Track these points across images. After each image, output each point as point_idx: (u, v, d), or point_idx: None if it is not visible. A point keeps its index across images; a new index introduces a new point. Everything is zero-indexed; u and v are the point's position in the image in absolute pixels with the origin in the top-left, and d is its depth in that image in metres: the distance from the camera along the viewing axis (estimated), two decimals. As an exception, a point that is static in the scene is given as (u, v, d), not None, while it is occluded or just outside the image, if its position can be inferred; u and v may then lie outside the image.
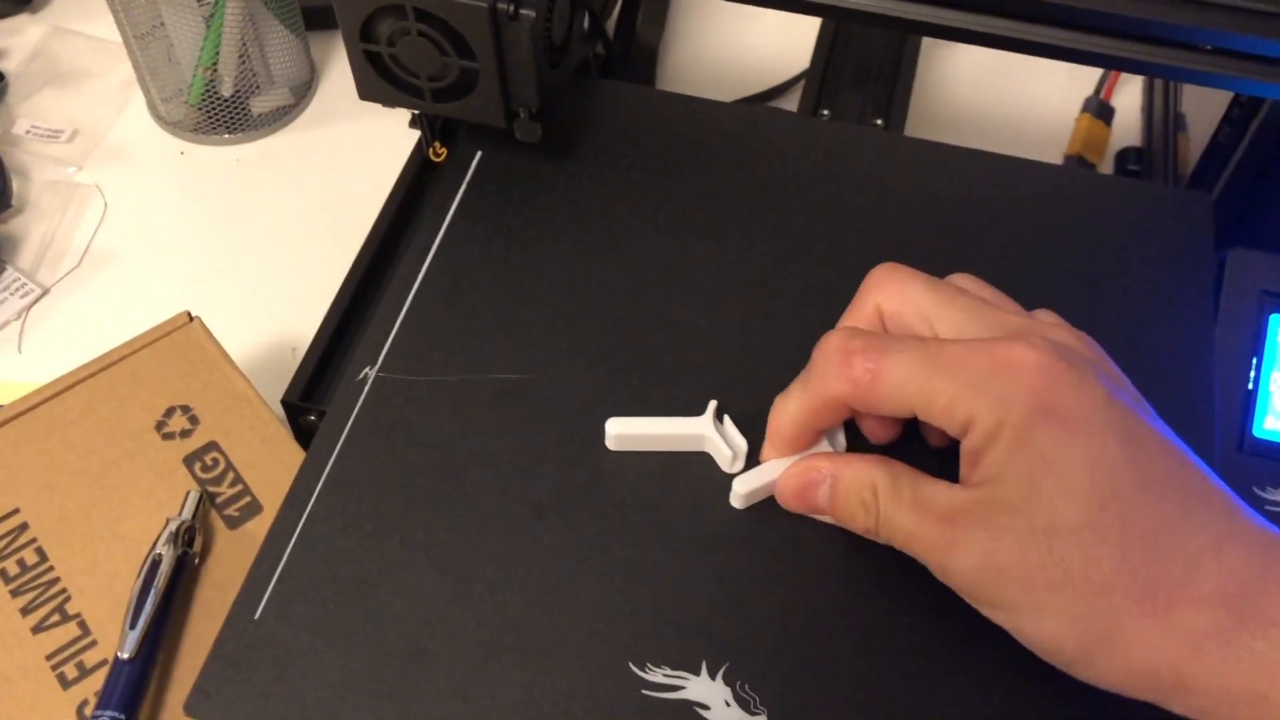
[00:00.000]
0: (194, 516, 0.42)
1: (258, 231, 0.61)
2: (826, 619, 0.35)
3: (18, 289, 0.58)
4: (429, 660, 0.34)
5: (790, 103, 0.66)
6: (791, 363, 0.36)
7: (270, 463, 0.44)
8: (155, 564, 0.40)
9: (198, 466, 0.44)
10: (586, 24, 0.50)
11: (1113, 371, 0.33)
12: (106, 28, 0.65)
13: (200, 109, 0.63)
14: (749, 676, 0.34)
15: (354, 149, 0.64)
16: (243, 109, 0.63)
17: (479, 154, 0.47)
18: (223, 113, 0.63)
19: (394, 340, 0.41)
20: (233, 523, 0.43)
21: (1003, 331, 0.33)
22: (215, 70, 0.61)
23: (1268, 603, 0.28)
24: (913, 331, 0.34)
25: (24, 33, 0.70)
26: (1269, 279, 0.46)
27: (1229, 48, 0.42)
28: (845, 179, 0.46)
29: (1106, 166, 0.63)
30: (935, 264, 0.37)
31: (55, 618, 0.40)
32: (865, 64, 0.63)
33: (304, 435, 0.47)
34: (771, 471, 0.36)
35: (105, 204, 0.62)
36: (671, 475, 0.38)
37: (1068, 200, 0.46)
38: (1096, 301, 0.42)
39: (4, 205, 0.60)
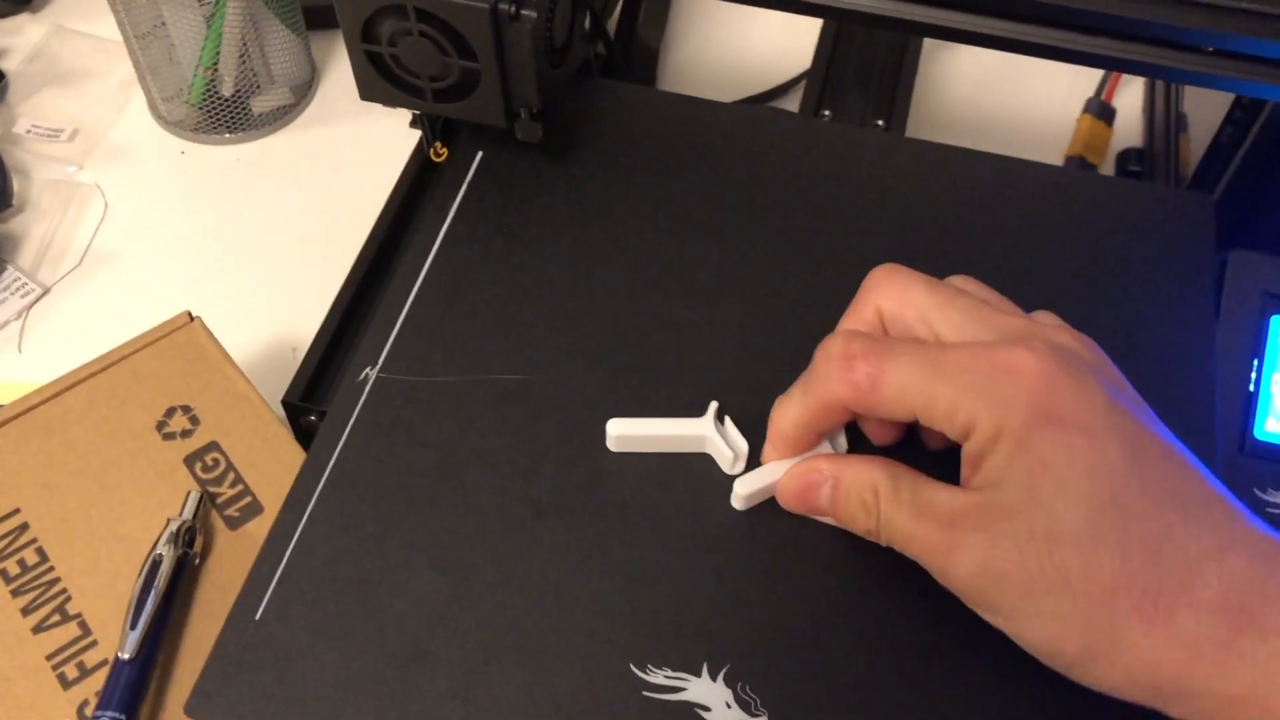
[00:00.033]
0: (194, 517, 0.42)
1: (258, 231, 0.61)
2: (827, 620, 0.35)
3: (18, 288, 0.57)
4: (429, 661, 0.34)
5: (791, 103, 0.66)
6: (792, 363, 0.36)
7: (271, 463, 0.44)
8: (156, 564, 0.40)
9: (198, 467, 0.44)
10: (587, 24, 0.50)
11: (1113, 374, 0.33)
12: (107, 27, 0.65)
13: (201, 108, 0.63)
14: (750, 678, 0.34)
15: (355, 149, 0.64)
16: (243, 109, 0.63)
17: (480, 154, 0.47)
18: (223, 112, 0.63)
19: (395, 340, 0.41)
20: (233, 523, 0.43)
21: (1004, 334, 0.33)
22: (216, 70, 0.61)
23: (1268, 610, 0.28)
24: (913, 333, 0.34)
25: (25, 32, 0.70)
26: (1270, 280, 0.45)
27: (1230, 49, 0.42)
28: (846, 180, 0.46)
29: (1108, 167, 0.63)
30: (936, 265, 0.37)
31: (56, 618, 0.40)
32: (867, 65, 0.63)
33: (304, 435, 0.47)
34: (772, 473, 0.36)
35: (106, 203, 0.62)
36: (672, 476, 0.38)
37: (1069, 201, 0.46)
38: (1097, 303, 0.42)
39: (4, 204, 0.60)
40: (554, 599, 0.35)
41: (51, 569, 0.41)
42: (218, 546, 0.42)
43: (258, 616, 0.35)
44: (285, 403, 0.47)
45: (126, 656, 0.38)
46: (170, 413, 0.45)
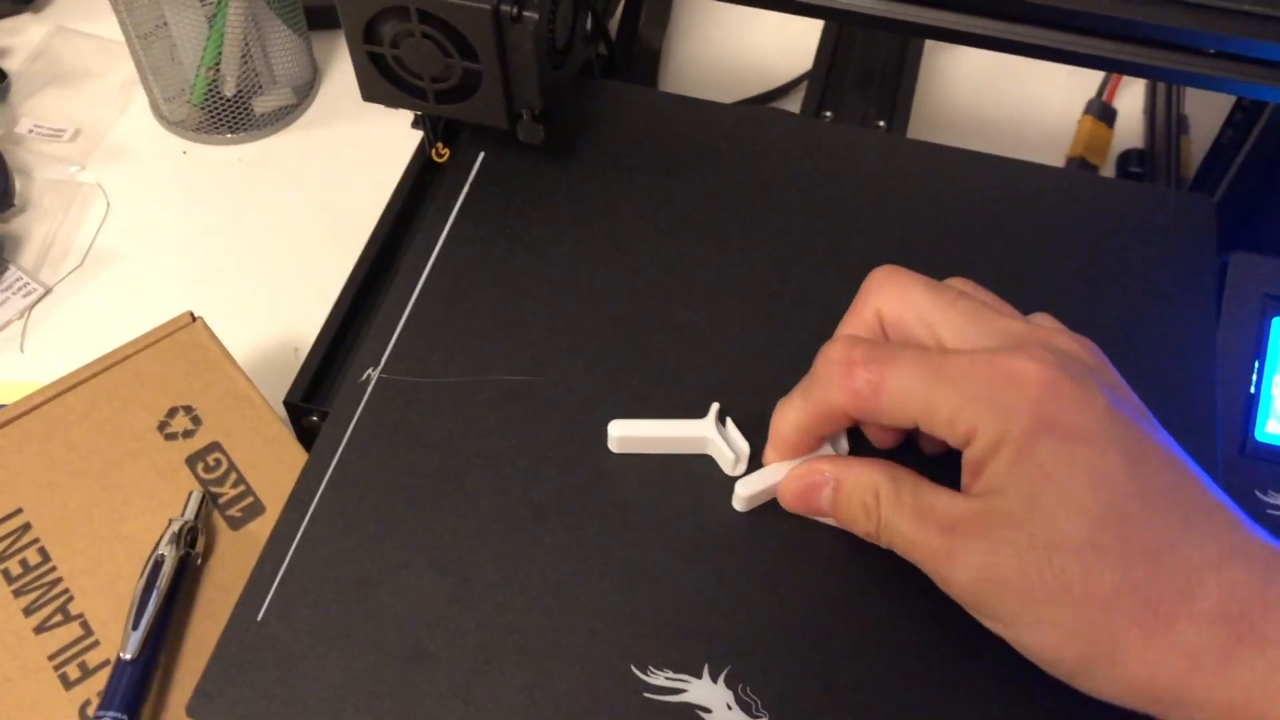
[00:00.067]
0: (196, 517, 0.42)
1: (260, 231, 0.61)
2: (828, 622, 0.35)
3: (20, 288, 0.58)
4: (430, 662, 0.34)
5: (793, 104, 0.66)
6: (793, 364, 0.36)
7: (272, 463, 0.44)
8: (158, 564, 0.40)
9: (200, 467, 0.44)
10: (589, 25, 0.50)
11: (1114, 379, 0.33)
12: (109, 27, 0.65)
13: (203, 108, 0.63)
14: (751, 680, 0.34)
15: (356, 149, 0.64)
16: (245, 109, 0.64)
17: (482, 155, 0.47)
18: (225, 112, 0.63)
19: (396, 341, 0.41)
20: (235, 523, 0.43)
21: (1005, 338, 0.32)
22: (218, 70, 0.61)
23: (1268, 620, 0.28)
24: (913, 336, 0.34)
25: (26, 32, 0.70)
26: (1271, 282, 0.45)
27: (1232, 51, 0.42)
28: (848, 181, 0.46)
29: (1109, 168, 0.63)
30: (937, 266, 0.37)
31: (58, 618, 0.40)
32: (868, 66, 0.63)
33: (306, 436, 0.47)
34: (774, 474, 0.36)
35: (108, 203, 0.62)
36: (673, 477, 0.38)
37: (1070, 203, 0.46)
38: (1098, 304, 0.42)
39: (6, 204, 0.60)
40: (555, 600, 0.35)
41: (53, 569, 0.41)
42: (219, 547, 0.42)
43: (260, 617, 0.35)
44: (287, 403, 0.48)
45: (128, 657, 0.38)
46: (172, 413, 0.45)
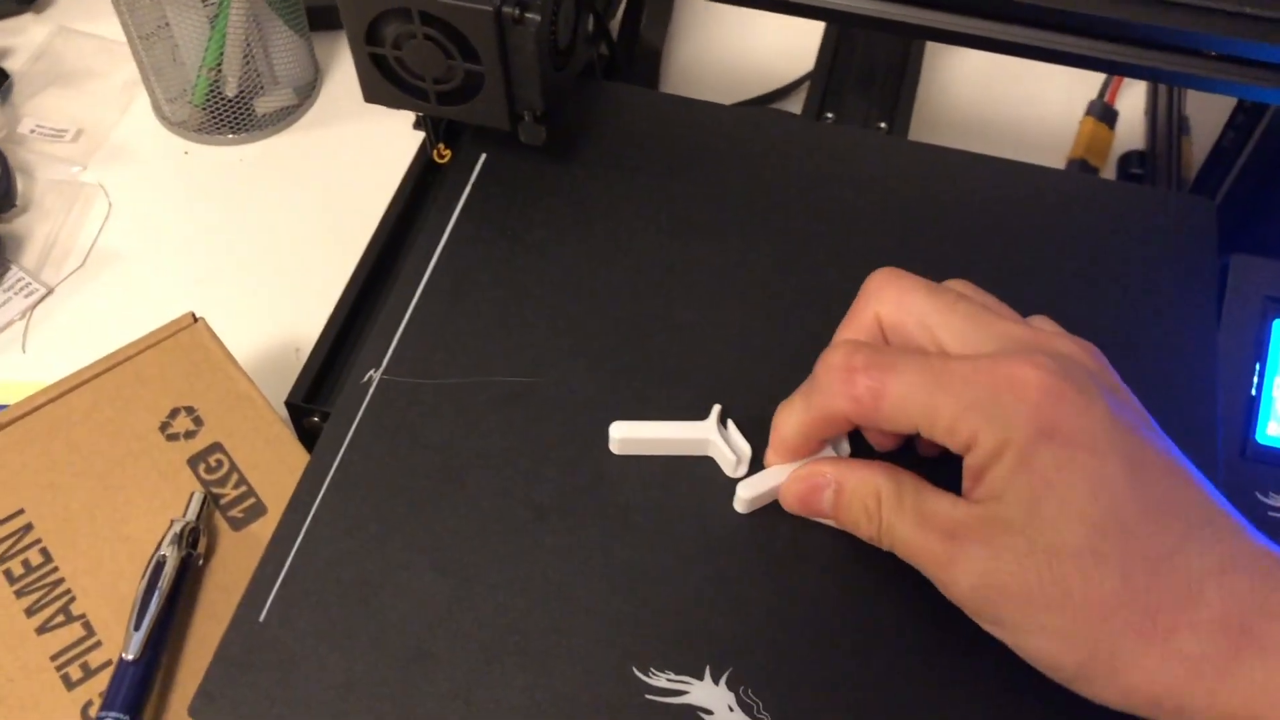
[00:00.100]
0: (198, 518, 0.42)
1: (261, 232, 0.61)
2: (830, 624, 0.35)
3: (22, 288, 0.58)
4: (431, 663, 0.34)
5: (794, 104, 0.66)
6: (795, 366, 0.36)
7: (274, 464, 0.44)
8: (159, 565, 0.40)
9: (202, 468, 0.44)
10: (591, 26, 0.50)
11: (1115, 383, 0.33)
12: (111, 28, 0.65)
13: (204, 109, 0.63)
14: (752, 681, 0.34)
15: (358, 149, 0.64)
16: (247, 109, 0.64)
17: (483, 156, 0.47)
18: (227, 113, 0.63)
19: (398, 342, 0.41)
20: (237, 524, 0.43)
21: (1006, 343, 0.32)
22: (220, 70, 0.61)
23: (1268, 628, 0.28)
24: (913, 340, 0.34)
25: (28, 32, 0.70)
26: (1272, 285, 0.46)
27: (1234, 54, 0.42)
28: (848, 182, 0.46)
29: (1110, 170, 0.63)
30: (938, 268, 0.37)
31: (60, 618, 0.41)
32: (869, 68, 0.63)
33: (307, 436, 0.47)
34: (775, 476, 0.36)
35: (109, 204, 0.62)
36: (674, 479, 0.38)
37: (1070, 204, 0.46)
38: (1099, 306, 0.42)
39: (8, 205, 0.60)
40: (556, 601, 0.35)
41: (55, 569, 0.42)
42: (221, 547, 0.42)
43: (262, 618, 0.35)
44: (288, 404, 0.48)
45: (130, 657, 0.38)
46: (174, 414, 0.45)
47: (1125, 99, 0.65)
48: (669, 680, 0.34)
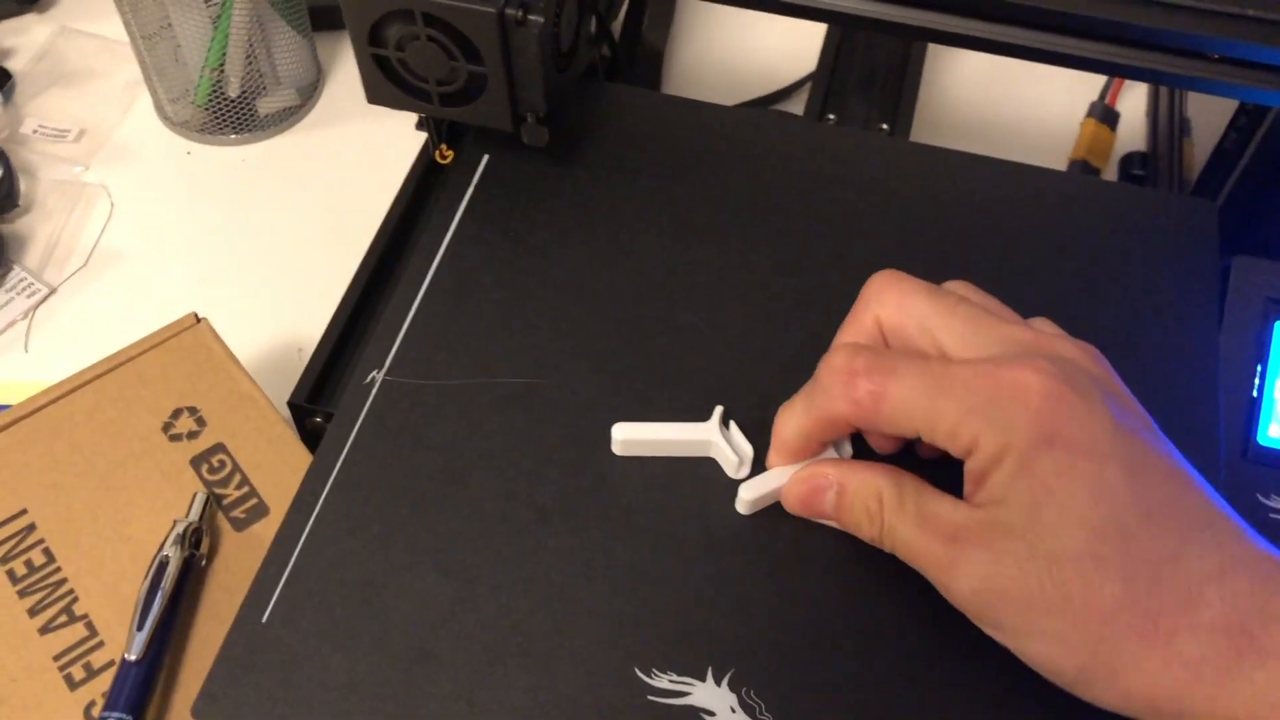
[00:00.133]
0: (201, 518, 0.42)
1: (264, 232, 0.61)
2: (832, 625, 0.35)
3: (24, 288, 0.58)
4: (434, 664, 0.34)
5: (796, 105, 0.66)
6: (796, 367, 0.36)
7: (277, 464, 0.44)
8: (162, 565, 0.40)
9: (204, 468, 0.44)
10: (593, 27, 0.50)
11: (1116, 387, 0.33)
12: (114, 28, 0.65)
13: (207, 109, 0.63)
14: (755, 683, 0.34)
15: (360, 150, 0.64)
16: (249, 109, 0.64)
17: (486, 157, 0.47)
18: (229, 113, 0.63)
19: (401, 343, 0.41)
20: (239, 525, 0.43)
21: (1007, 346, 0.32)
22: (222, 71, 0.61)
23: (1269, 632, 0.28)
24: (914, 343, 0.34)
25: (31, 32, 0.70)
26: (1274, 286, 0.46)
27: (1236, 56, 0.42)
28: (850, 183, 0.46)
29: (1111, 171, 0.63)
30: (940, 269, 0.37)
31: (63, 619, 0.41)
32: (871, 69, 0.63)
33: (309, 437, 0.47)
34: (777, 478, 0.36)
35: (112, 204, 0.62)
36: (677, 480, 0.38)
37: (1072, 206, 0.46)
38: (1100, 308, 0.43)
39: (11, 205, 0.60)
40: (558, 602, 0.36)
41: (58, 570, 0.42)
42: (224, 548, 0.42)
43: (264, 619, 0.35)
44: (291, 404, 0.48)
45: (133, 658, 0.38)
46: (176, 414, 0.45)
47: (1126, 100, 0.66)
48: (671, 681, 0.34)
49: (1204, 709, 0.29)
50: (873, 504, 0.33)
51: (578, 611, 0.35)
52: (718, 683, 0.34)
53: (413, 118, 0.63)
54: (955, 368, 0.32)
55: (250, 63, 0.62)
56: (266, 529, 0.43)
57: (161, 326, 0.48)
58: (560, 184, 0.46)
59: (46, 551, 0.42)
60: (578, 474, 0.38)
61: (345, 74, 0.68)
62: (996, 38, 0.45)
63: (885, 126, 0.60)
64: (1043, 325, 0.35)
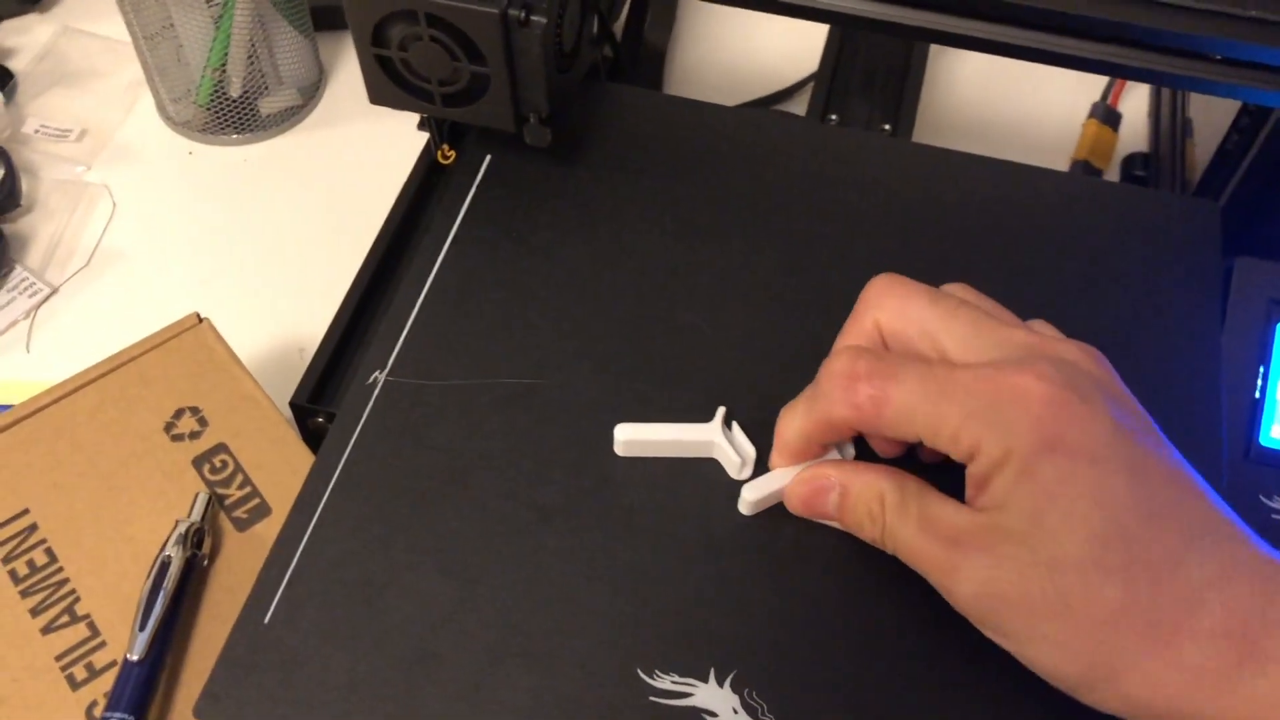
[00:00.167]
0: (203, 518, 0.42)
1: (266, 232, 0.61)
2: (835, 626, 0.35)
3: (26, 288, 0.58)
4: (436, 664, 0.34)
5: (798, 106, 0.66)
6: (799, 367, 0.36)
7: (279, 464, 0.44)
8: (164, 566, 0.40)
9: (206, 468, 0.44)
10: (595, 28, 0.50)
11: (1118, 390, 0.33)
12: (116, 27, 0.65)
13: (209, 109, 0.63)
14: (757, 684, 0.34)
15: (362, 150, 0.65)
16: (251, 109, 0.64)
17: (488, 157, 0.47)
18: (231, 113, 0.63)
19: (403, 344, 0.41)
20: (241, 525, 0.43)
21: (1009, 349, 0.32)
22: (224, 71, 0.61)
23: (1270, 638, 0.28)
24: (914, 347, 0.34)
25: (33, 32, 0.70)
26: (1276, 288, 0.46)
27: (1238, 57, 0.42)
28: (852, 184, 0.46)
29: (1113, 172, 0.63)
30: (941, 270, 0.37)
31: (65, 619, 0.41)
32: (873, 69, 0.63)
33: (311, 437, 0.47)
34: (780, 479, 0.36)
35: (114, 203, 0.62)
36: (679, 481, 0.38)
37: (1074, 207, 0.46)
38: (1103, 309, 0.43)
39: (13, 204, 0.60)
40: (560, 603, 0.36)
41: (60, 570, 0.42)
42: (226, 548, 0.42)
43: (267, 619, 0.35)
44: (293, 404, 0.48)
45: (135, 658, 0.38)
46: (178, 414, 0.45)
47: (1128, 101, 0.65)
48: (673, 682, 0.34)
49: (1205, 714, 0.28)
50: (875, 506, 0.33)
51: (579, 612, 0.35)
52: (720, 684, 0.34)
53: (414, 118, 0.64)
54: (957, 372, 0.32)
55: (252, 63, 0.62)
56: (268, 529, 0.43)
57: (163, 326, 0.48)
58: (562, 184, 0.46)
59: (48, 551, 0.42)
60: (580, 474, 0.38)
61: (347, 74, 0.68)
62: (998, 38, 0.45)
63: (887, 127, 0.60)
64: (1042, 328, 0.35)
